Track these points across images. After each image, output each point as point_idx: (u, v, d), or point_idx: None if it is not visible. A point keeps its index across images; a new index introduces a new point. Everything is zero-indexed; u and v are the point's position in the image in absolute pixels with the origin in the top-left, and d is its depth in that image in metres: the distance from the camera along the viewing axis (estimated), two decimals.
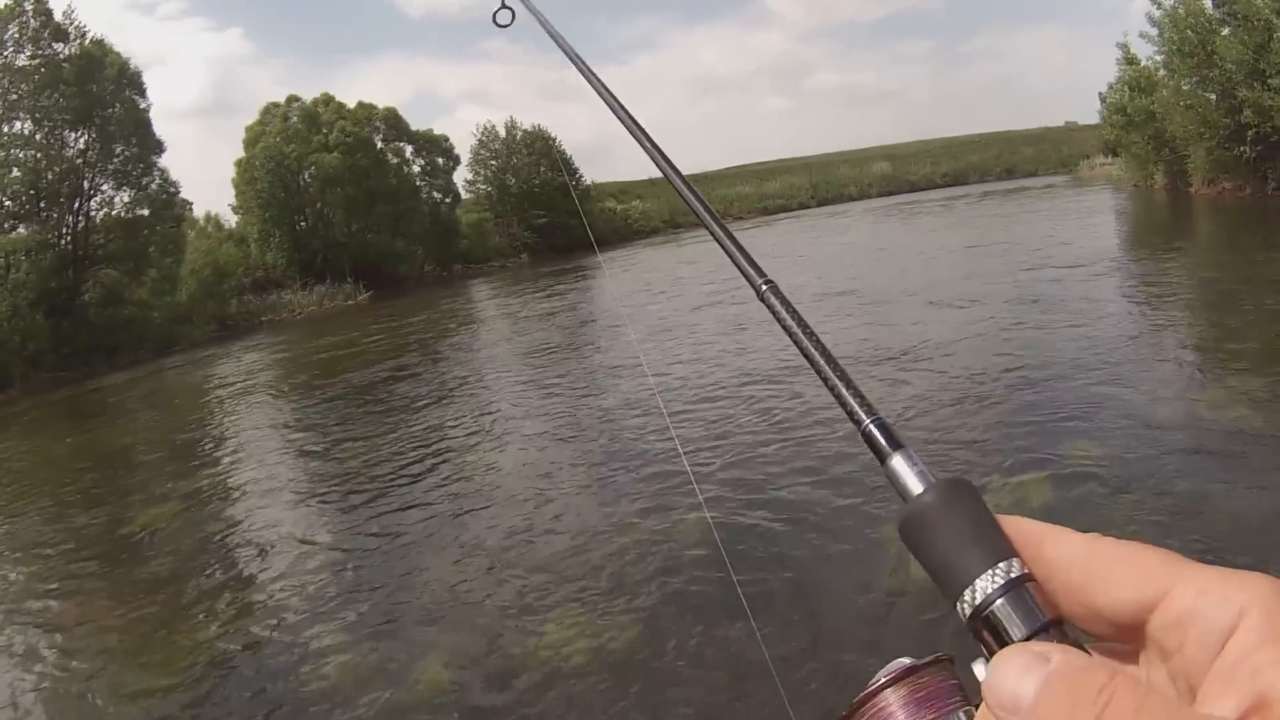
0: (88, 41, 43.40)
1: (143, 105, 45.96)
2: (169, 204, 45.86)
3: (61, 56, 42.07)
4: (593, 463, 11.45)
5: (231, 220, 61.00)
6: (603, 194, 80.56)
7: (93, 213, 43.23)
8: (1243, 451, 8.43)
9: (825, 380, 0.74)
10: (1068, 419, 10.04)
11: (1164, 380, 11.45)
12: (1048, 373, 12.32)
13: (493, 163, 73.28)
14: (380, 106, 66.06)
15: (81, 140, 42.98)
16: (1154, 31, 43.72)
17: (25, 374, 33.53)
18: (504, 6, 2.34)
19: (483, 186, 73.26)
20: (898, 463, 0.65)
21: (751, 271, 0.92)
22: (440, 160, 68.56)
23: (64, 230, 41.68)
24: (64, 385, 32.21)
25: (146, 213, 44.61)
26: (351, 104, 63.89)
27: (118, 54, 44.96)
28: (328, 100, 62.17)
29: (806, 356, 0.76)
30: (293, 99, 61.87)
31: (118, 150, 44.02)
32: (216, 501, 12.83)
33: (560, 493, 10.38)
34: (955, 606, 0.58)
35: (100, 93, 43.00)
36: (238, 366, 29.18)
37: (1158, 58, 45.23)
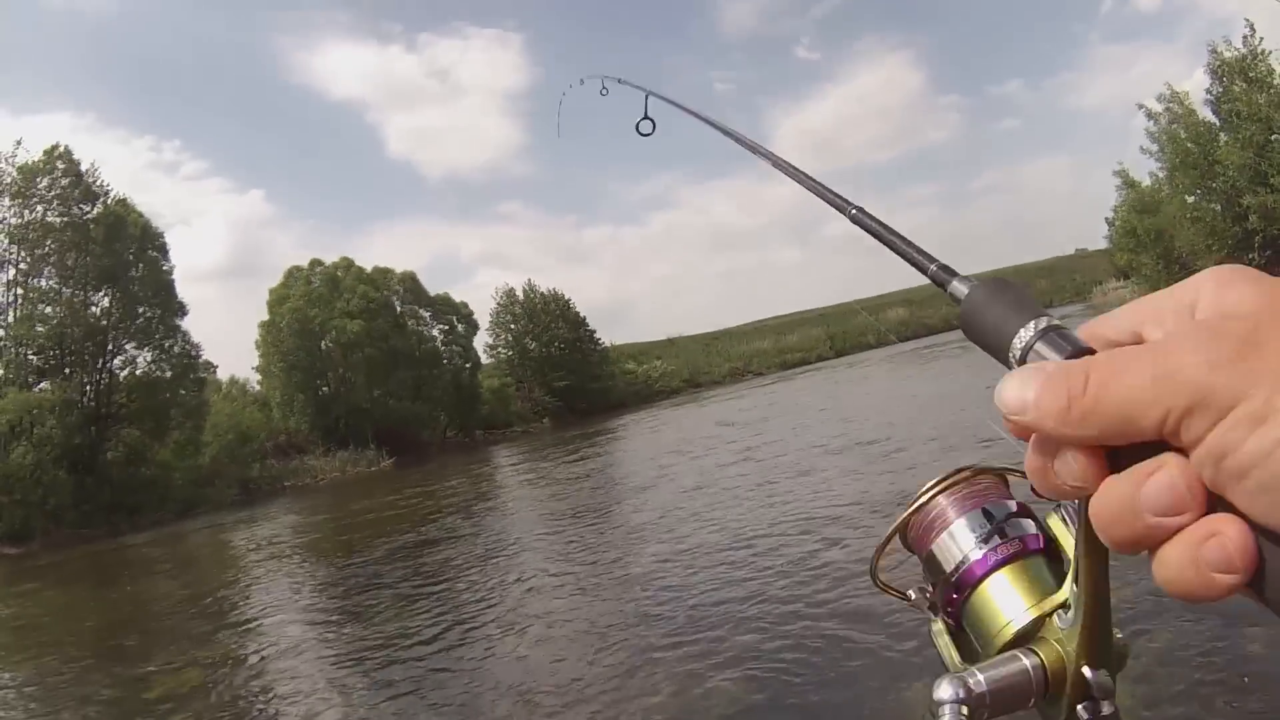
0: (111, 201, 44.82)
1: (165, 267, 47.34)
2: (191, 366, 46.72)
3: (89, 217, 43.32)
4: (639, 629, 11.16)
5: (255, 383, 61.90)
6: (621, 356, 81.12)
7: (116, 371, 44.04)
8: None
9: (899, 250, 0.91)
10: None
11: None
12: None
13: (513, 326, 74.18)
14: (399, 270, 67.60)
15: (106, 299, 44.06)
16: (1154, 147, 44.80)
17: (46, 528, 33.57)
18: (645, 117, 2.41)
19: (503, 351, 73.98)
20: (954, 285, 0.75)
21: (840, 201, 1.08)
22: (460, 326, 69.47)
23: (87, 388, 42.30)
24: (85, 542, 32.13)
25: (168, 374, 45.41)
26: (369, 268, 65.36)
27: (139, 214, 46.44)
28: (348, 265, 63.38)
29: (892, 247, 0.93)
30: (315, 263, 63.27)
31: (141, 311, 45.17)
32: (242, 671, 12.38)
33: (605, 660, 10.10)
34: (1007, 363, 0.65)
35: (124, 253, 44.19)
36: (262, 531, 28.84)
37: (1160, 174, 46.31)
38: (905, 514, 0.82)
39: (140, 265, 45.40)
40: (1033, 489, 0.64)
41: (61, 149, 43.14)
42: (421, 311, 67.84)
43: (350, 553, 20.75)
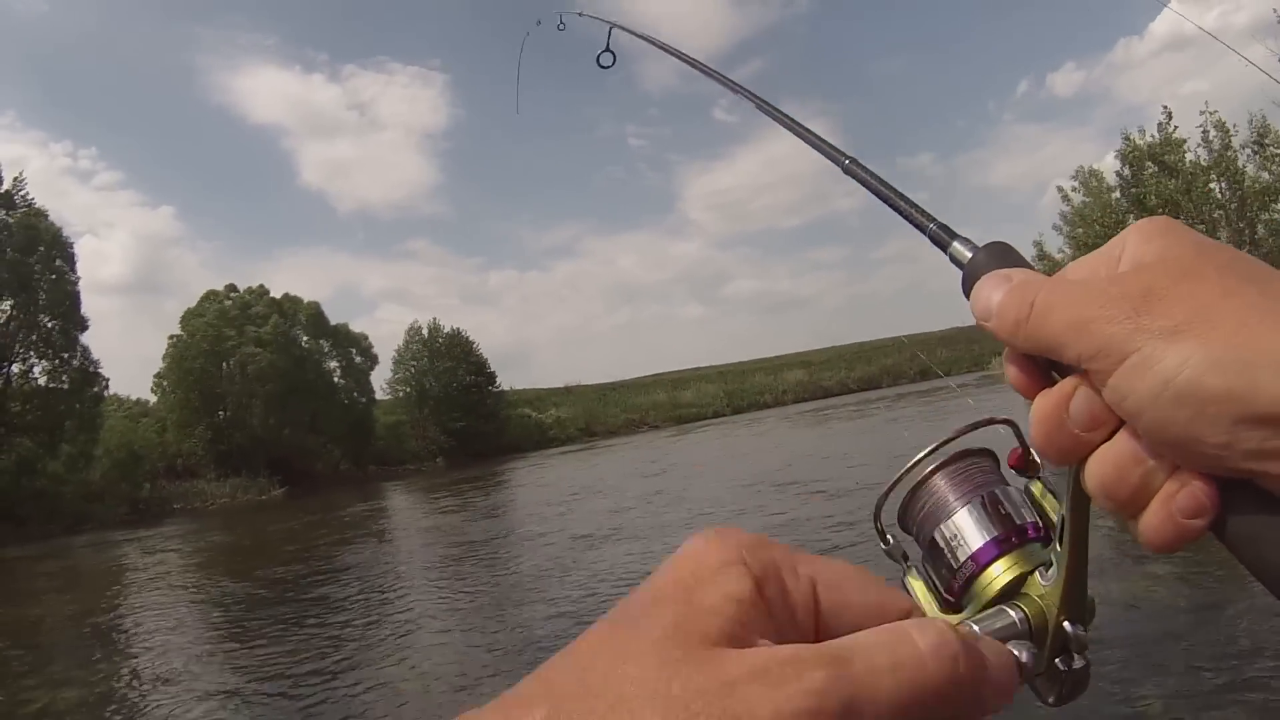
0: (29, 209, 44.68)
1: (71, 278, 46.82)
2: (90, 380, 46.22)
3: (3, 221, 43.10)
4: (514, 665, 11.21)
5: (150, 399, 61.67)
6: (519, 400, 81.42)
7: (12, 381, 43.53)
8: (1167, 633, 8.74)
9: (901, 210, 0.91)
10: None
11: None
12: None
13: (413, 364, 74.42)
14: (306, 300, 67.66)
15: (9, 305, 43.74)
16: (1065, 227, 46.50)
17: None
18: (607, 49, 2.53)
19: (401, 388, 74.16)
20: (955, 246, 0.79)
21: (835, 153, 1.06)
22: (359, 359, 69.74)
23: None
24: None
25: (65, 386, 44.96)
26: (278, 294, 65.48)
27: (53, 224, 46.27)
28: (262, 294, 63.55)
29: (888, 203, 0.94)
30: (231, 287, 63.42)
31: (43, 321, 44.68)
32: (121, 690, 12.45)
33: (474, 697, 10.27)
34: None
35: (33, 261, 43.90)
36: (149, 553, 28.77)
37: (1068, 251, 48.38)
38: (891, 487, 0.83)
39: (48, 275, 45.18)
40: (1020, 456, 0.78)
41: None
42: (322, 343, 68.01)
43: (237, 579, 20.95)
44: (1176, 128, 42.32)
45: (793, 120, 1.16)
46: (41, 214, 45.75)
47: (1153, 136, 42.99)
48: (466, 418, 70.03)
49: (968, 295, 0.74)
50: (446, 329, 76.83)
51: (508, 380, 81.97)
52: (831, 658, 0.50)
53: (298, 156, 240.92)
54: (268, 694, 11.59)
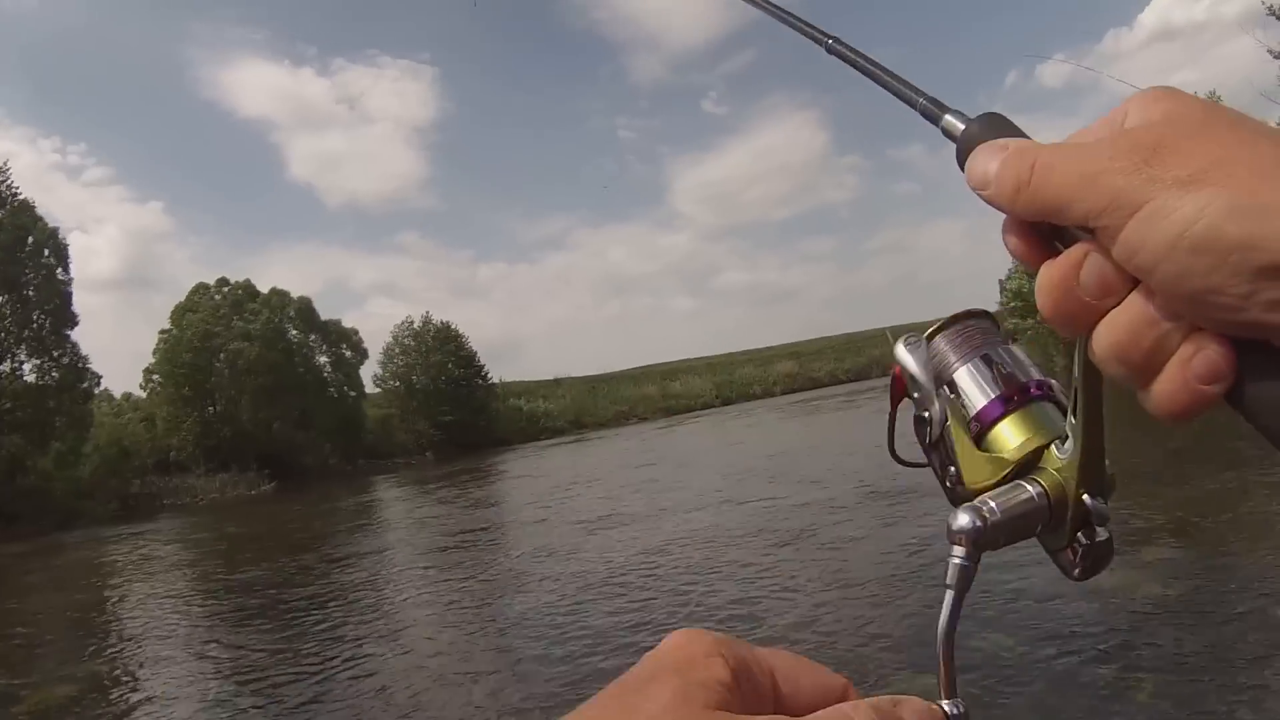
0: (16, 204, 44.55)
1: (63, 277, 46.80)
2: (80, 376, 46.10)
3: None
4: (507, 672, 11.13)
5: (139, 394, 61.44)
6: (508, 393, 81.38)
7: (2, 378, 43.48)
8: (1156, 630, 8.57)
9: (889, 86, 0.86)
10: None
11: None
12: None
13: (402, 359, 74.27)
14: (295, 295, 67.40)
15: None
16: None
17: None
18: None
19: (391, 382, 73.92)
20: (947, 119, 0.75)
21: (816, 33, 1.01)
22: (348, 353, 69.55)
23: None
24: None
25: (55, 383, 44.89)
26: (265, 289, 65.23)
27: (45, 222, 46.07)
28: (249, 288, 63.52)
29: (871, 75, 0.89)
30: (222, 281, 63.25)
31: (34, 318, 44.59)
32: (113, 689, 12.35)
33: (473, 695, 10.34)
34: None
35: (24, 259, 43.86)
36: (140, 549, 28.76)
37: None
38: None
39: (38, 272, 45.16)
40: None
41: None
42: (312, 337, 67.77)
43: (228, 573, 20.97)
44: None
45: (768, 2, 1.11)
46: (30, 208, 45.63)
47: None
48: (456, 411, 69.92)
49: (963, 168, 0.70)
50: (436, 322, 76.78)
51: (497, 373, 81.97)
52: None
53: (287, 150, 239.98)
54: (262, 686, 11.55)
